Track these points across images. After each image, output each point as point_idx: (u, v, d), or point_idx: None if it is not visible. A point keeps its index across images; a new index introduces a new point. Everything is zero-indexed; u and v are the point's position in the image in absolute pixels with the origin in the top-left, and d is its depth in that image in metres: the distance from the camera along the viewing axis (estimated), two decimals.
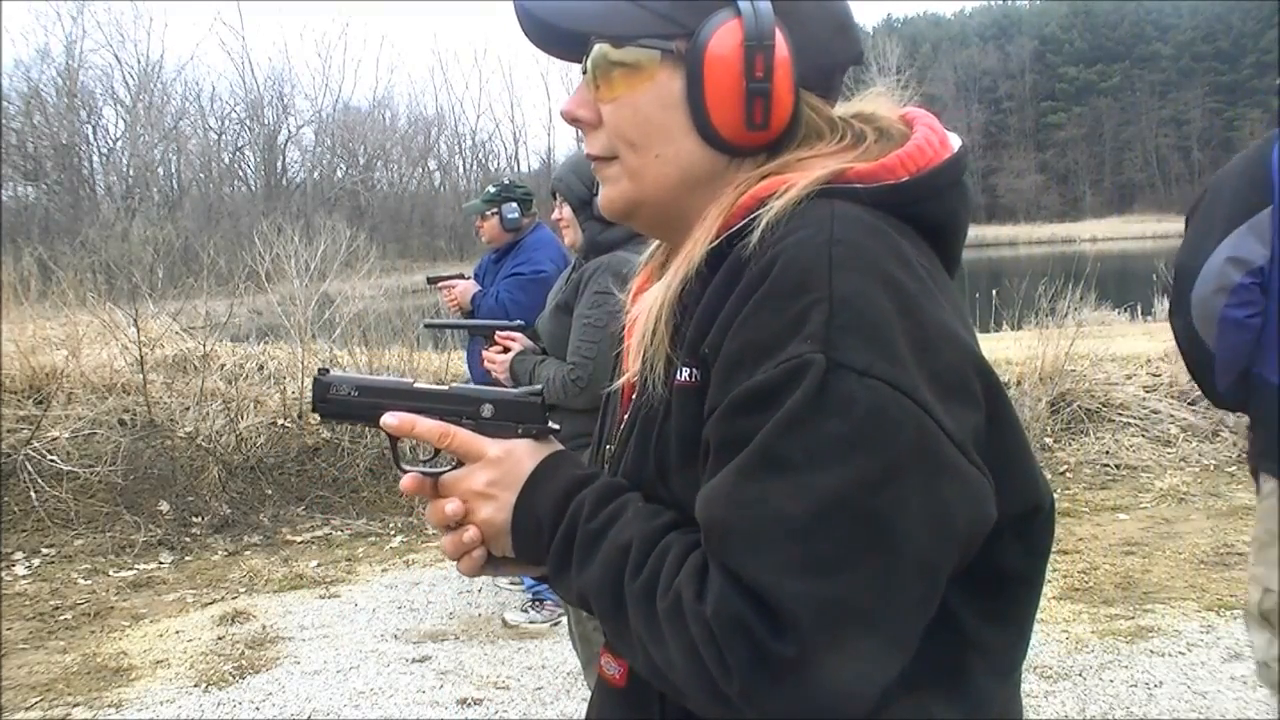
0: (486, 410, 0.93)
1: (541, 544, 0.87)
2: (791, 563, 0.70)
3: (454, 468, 0.92)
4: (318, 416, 0.99)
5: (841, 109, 0.89)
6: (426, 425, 0.92)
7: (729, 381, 0.75)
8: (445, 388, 0.95)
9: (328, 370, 0.97)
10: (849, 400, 0.70)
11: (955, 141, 0.86)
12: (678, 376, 0.82)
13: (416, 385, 0.95)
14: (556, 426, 0.94)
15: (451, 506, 0.90)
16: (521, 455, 0.91)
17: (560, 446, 0.94)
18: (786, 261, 0.76)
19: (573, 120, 0.92)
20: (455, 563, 0.93)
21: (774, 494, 0.71)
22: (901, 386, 0.71)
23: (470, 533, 0.90)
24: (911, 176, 0.82)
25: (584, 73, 0.89)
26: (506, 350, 2.95)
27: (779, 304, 0.75)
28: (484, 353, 3.03)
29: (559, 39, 0.90)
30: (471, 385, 0.95)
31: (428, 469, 0.94)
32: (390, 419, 0.92)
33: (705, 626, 0.72)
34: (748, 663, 0.70)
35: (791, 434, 0.71)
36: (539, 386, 0.97)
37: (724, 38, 0.82)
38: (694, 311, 0.83)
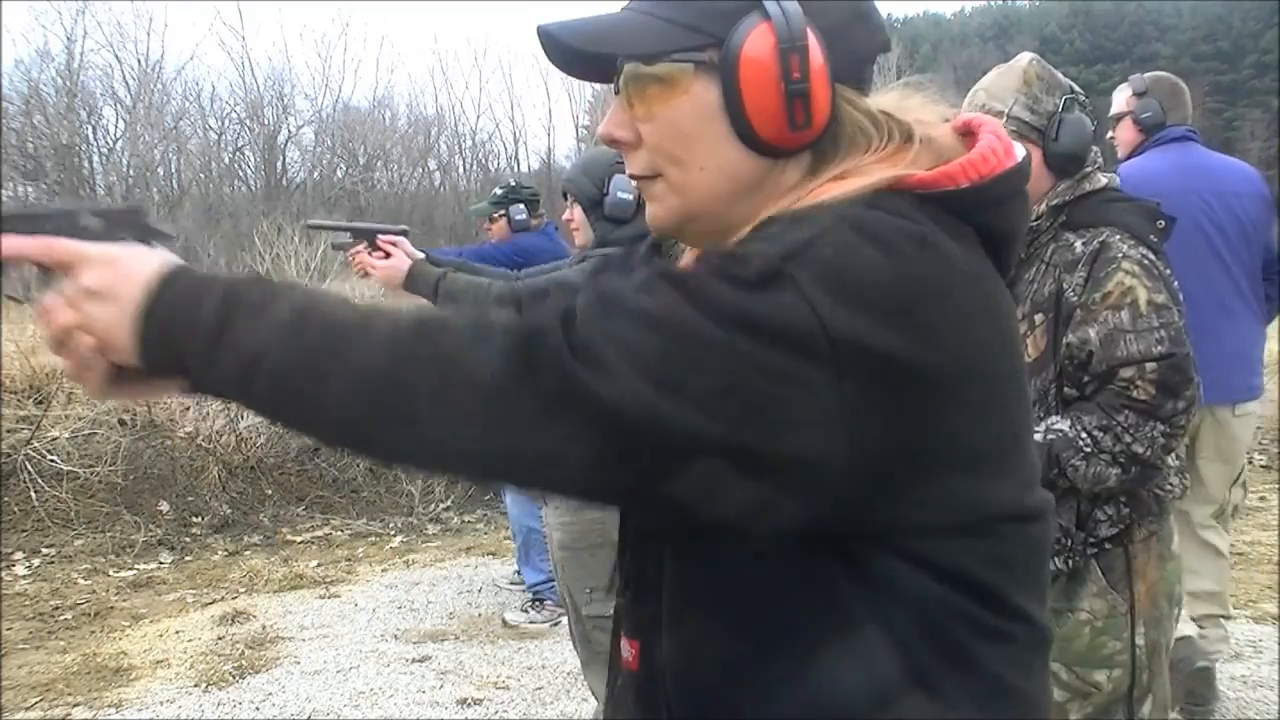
0: (92, 222, 0.87)
1: (191, 325, 0.78)
2: (621, 326, 0.71)
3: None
4: None
5: (881, 100, 0.88)
6: (19, 242, 0.84)
7: None
8: (44, 207, 0.88)
9: None
10: (774, 303, 0.71)
11: (1020, 151, 0.85)
12: None
13: (10, 210, 0.88)
14: (173, 234, 0.89)
15: (65, 316, 0.82)
16: (134, 255, 0.83)
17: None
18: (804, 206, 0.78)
19: (611, 142, 0.90)
20: (80, 381, 0.86)
21: (664, 305, 0.72)
22: (833, 330, 0.70)
23: (86, 341, 0.82)
24: (972, 184, 0.81)
25: (616, 93, 0.88)
26: (388, 256, 2.74)
27: (774, 226, 0.77)
28: (359, 257, 2.79)
29: (586, 62, 0.90)
30: (70, 201, 0.89)
31: (32, 294, 0.87)
32: None
33: (518, 330, 0.72)
34: (540, 360, 0.71)
35: (716, 282, 0.72)
36: (139, 201, 0.91)
37: (757, 42, 0.81)
38: None
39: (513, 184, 4.55)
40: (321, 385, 0.74)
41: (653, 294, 0.73)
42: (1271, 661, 3.48)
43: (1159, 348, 1.75)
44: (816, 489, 0.74)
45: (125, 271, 0.81)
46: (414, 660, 3.89)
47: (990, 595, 0.80)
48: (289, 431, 0.83)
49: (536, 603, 4.28)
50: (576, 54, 0.88)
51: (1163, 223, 1.87)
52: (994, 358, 0.78)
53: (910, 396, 0.73)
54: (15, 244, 0.84)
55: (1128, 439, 1.75)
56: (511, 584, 4.64)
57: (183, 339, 0.78)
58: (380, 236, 2.77)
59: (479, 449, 0.72)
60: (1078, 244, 1.86)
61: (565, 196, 2.92)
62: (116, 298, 0.80)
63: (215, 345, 0.76)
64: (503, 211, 4.36)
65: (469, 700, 3.51)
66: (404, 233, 2.85)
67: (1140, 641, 1.87)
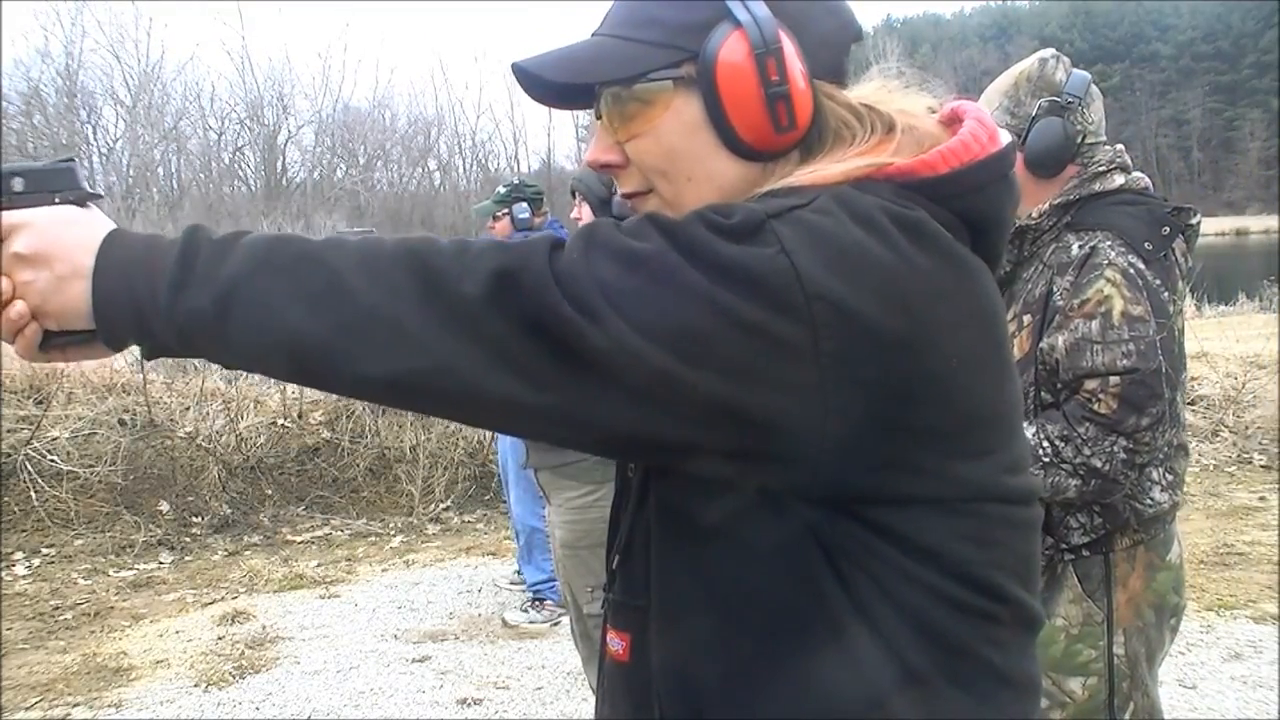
0: (17, 184, 0.84)
1: (148, 276, 0.77)
2: (605, 264, 0.72)
3: None
4: None
5: (862, 91, 0.88)
6: None
7: None
8: None
9: None
10: (755, 254, 0.72)
11: (1005, 137, 0.86)
12: None
13: None
14: (101, 193, 0.87)
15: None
16: (68, 217, 0.82)
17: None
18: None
19: (600, 167, 0.91)
20: (13, 347, 0.84)
21: (636, 237, 0.74)
22: (809, 284, 0.71)
23: (17, 308, 0.81)
24: (952, 170, 0.81)
25: (597, 118, 0.89)
26: None
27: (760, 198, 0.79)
28: None
29: (564, 93, 0.90)
30: None
31: None
32: None
33: (496, 249, 0.74)
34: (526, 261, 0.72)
35: (696, 226, 0.73)
36: (70, 155, 0.90)
37: (731, 50, 0.82)
38: None
39: (516, 182, 4.55)
40: (304, 303, 0.73)
41: (639, 236, 0.74)
42: (1271, 661, 3.48)
43: (1124, 361, 1.70)
44: (793, 456, 0.74)
45: (58, 235, 0.80)
46: (414, 660, 3.89)
47: (974, 577, 0.80)
48: (255, 368, 0.80)
49: (536, 602, 4.28)
50: (555, 86, 0.88)
51: (1168, 229, 1.81)
52: (971, 339, 0.78)
53: (885, 366, 0.73)
54: None
55: (1087, 452, 1.71)
56: (511, 584, 4.65)
57: (143, 288, 0.77)
58: None
59: (443, 364, 0.72)
60: (1074, 246, 1.82)
61: (574, 195, 2.94)
62: (50, 261, 0.80)
63: (183, 284, 0.75)
64: (506, 210, 4.37)
65: (469, 700, 3.51)
66: None
67: (1120, 651, 1.84)
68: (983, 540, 0.80)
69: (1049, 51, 1.97)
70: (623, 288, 0.71)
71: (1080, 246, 1.82)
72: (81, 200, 0.85)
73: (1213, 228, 50.57)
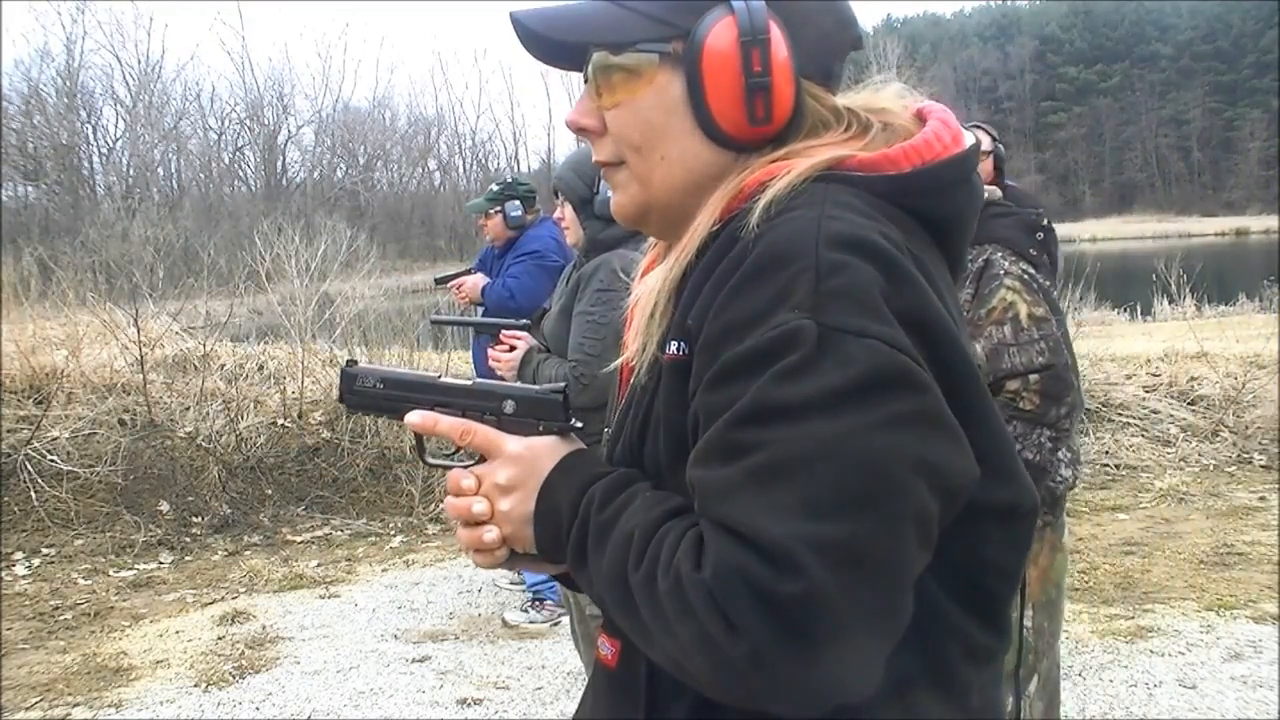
0: (509, 406, 0.93)
1: (561, 541, 0.85)
2: (789, 506, 0.67)
3: (475, 463, 0.92)
4: (344, 407, 1.01)
5: (850, 99, 0.89)
6: (447, 423, 0.92)
7: (714, 357, 0.75)
8: (469, 383, 0.95)
9: (355, 362, 0.98)
10: (846, 358, 0.69)
11: (968, 139, 0.86)
12: (667, 350, 0.83)
13: (441, 380, 0.96)
14: (579, 424, 0.94)
15: (478, 505, 0.89)
16: (542, 452, 0.89)
17: (582, 445, 0.93)
18: (773, 238, 0.76)
19: (578, 129, 0.92)
20: (470, 555, 0.92)
21: (767, 441, 0.69)
22: (898, 345, 0.71)
23: (492, 533, 0.89)
24: (914, 169, 0.81)
25: (585, 81, 0.90)
26: (512, 349, 2.94)
27: (764, 278, 0.74)
28: (490, 351, 3.03)
29: (557, 50, 0.91)
30: (495, 381, 0.95)
31: (452, 462, 0.95)
32: (414, 417, 0.93)
33: (705, 591, 0.68)
34: (752, 612, 0.66)
35: (786, 386, 0.69)
36: (562, 384, 0.96)
37: (720, 35, 0.83)
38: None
39: (509, 180, 4.55)
40: (640, 639, 0.79)
41: (765, 453, 0.69)
42: (1271, 661, 3.48)
43: (1040, 359, 1.86)
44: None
45: (532, 470, 0.88)
46: (414, 660, 3.89)
47: (986, 601, 0.82)
48: None
49: (536, 603, 4.28)
50: (546, 41, 0.89)
51: (1042, 234, 2.01)
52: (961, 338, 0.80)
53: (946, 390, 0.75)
54: (433, 420, 0.93)
55: (1018, 447, 1.82)
56: (512, 584, 4.65)
57: (556, 552, 0.87)
58: (504, 332, 2.98)
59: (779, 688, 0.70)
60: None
61: (556, 195, 2.94)
62: (525, 494, 0.88)
63: (577, 573, 0.85)
64: (499, 208, 4.38)
65: (469, 700, 3.51)
66: (525, 326, 3.04)
67: (1029, 624, 1.97)
68: (1008, 550, 0.84)
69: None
70: (831, 534, 0.67)
71: (971, 260, 1.98)
72: (564, 431, 0.93)
73: (1213, 228, 50.51)
